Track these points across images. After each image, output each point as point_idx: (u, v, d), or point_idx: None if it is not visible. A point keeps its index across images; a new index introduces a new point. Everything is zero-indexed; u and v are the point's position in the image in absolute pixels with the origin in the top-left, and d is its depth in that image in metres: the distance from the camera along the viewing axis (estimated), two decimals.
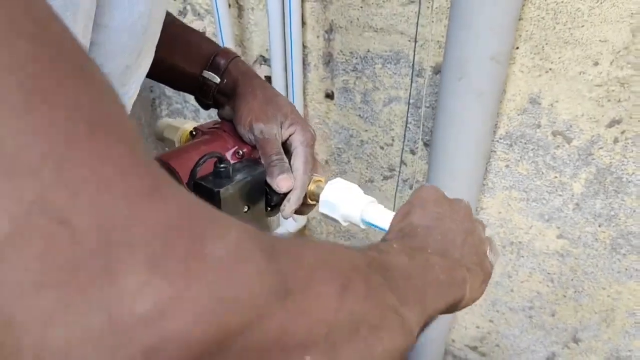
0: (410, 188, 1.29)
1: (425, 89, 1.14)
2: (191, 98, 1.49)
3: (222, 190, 0.56)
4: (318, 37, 1.21)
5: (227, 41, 1.25)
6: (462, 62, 0.96)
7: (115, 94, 0.25)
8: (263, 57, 1.33)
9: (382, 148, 1.29)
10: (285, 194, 0.63)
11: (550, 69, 1.01)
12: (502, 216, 1.21)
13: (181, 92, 1.48)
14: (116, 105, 0.25)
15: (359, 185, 0.67)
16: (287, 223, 1.47)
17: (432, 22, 1.06)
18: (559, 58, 0.99)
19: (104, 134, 0.22)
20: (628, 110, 0.98)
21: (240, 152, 0.64)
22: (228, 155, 0.63)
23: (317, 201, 0.63)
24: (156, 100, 1.52)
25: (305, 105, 1.31)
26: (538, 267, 1.24)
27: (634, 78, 0.95)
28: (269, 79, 1.28)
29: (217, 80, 0.67)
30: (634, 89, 0.96)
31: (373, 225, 0.59)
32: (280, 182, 0.62)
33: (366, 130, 1.28)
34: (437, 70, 1.10)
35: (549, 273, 1.23)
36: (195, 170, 0.58)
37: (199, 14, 1.30)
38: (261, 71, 1.34)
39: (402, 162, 1.26)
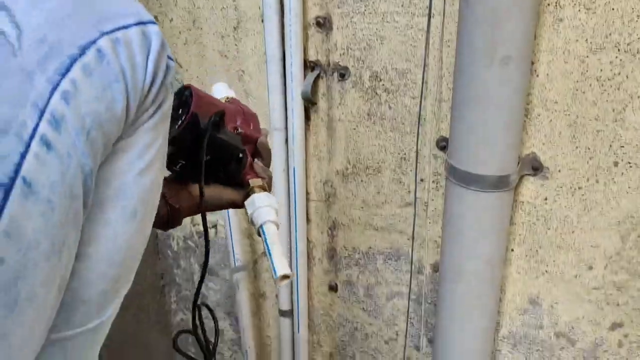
0: None
1: (426, 286, 1.16)
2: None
3: None
4: (322, 233, 1.26)
5: (237, 242, 1.33)
6: (458, 266, 0.99)
7: None
8: None
9: (386, 342, 1.28)
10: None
11: (546, 271, 1.03)
12: None
13: (190, 279, 1.51)
14: None
15: None
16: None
17: (429, 223, 1.10)
18: (554, 261, 1.01)
19: None
20: (628, 314, 0.98)
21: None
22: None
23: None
24: (165, 288, 1.55)
25: (310, 297, 1.33)
26: None
27: (630, 283, 0.96)
28: None
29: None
30: (631, 294, 0.96)
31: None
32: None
33: (370, 324, 1.28)
34: (436, 268, 1.13)
35: None
36: None
37: (215, 227, 1.39)
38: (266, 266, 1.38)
39: (406, 358, 1.24)
